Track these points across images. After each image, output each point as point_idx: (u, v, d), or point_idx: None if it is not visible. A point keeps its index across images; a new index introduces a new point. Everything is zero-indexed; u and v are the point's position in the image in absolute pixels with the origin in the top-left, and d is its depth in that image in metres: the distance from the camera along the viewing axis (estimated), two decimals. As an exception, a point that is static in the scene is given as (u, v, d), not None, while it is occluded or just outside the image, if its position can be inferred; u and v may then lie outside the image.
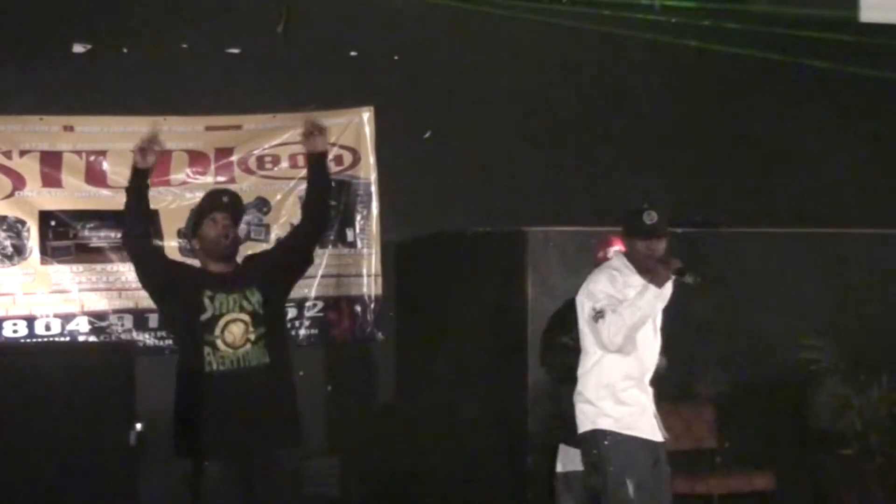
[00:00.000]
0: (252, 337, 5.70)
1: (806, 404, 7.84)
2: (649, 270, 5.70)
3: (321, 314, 8.12)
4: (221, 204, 5.96)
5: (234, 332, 5.69)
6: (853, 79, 9.23)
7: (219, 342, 5.68)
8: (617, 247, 6.44)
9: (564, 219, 7.96)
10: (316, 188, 6.07)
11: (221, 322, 5.69)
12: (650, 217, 5.75)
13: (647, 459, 5.78)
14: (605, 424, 5.76)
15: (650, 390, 5.85)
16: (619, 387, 5.77)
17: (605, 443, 5.74)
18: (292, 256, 6.07)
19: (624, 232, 5.93)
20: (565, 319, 6.58)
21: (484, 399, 7.69)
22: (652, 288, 5.63)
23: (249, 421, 5.64)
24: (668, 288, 5.71)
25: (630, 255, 5.86)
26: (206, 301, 5.74)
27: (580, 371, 5.88)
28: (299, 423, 5.87)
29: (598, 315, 5.70)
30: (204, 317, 5.70)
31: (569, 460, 6.56)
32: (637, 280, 5.76)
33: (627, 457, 5.75)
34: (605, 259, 6.60)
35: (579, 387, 5.86)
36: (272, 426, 5.71)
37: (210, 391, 5.68)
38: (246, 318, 5.71)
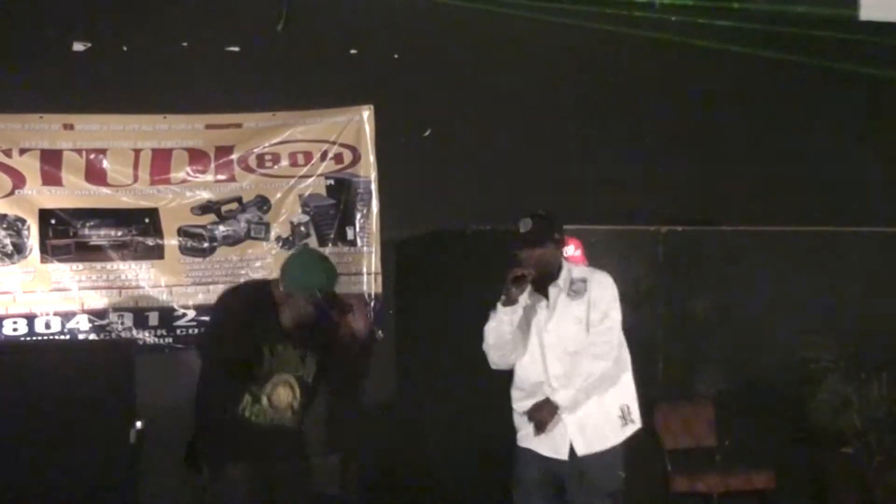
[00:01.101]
0: (296, 407, 5.66)
1: (806, 403, 7.84)
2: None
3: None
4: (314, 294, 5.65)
5: (281, 396, 5.61)
6: (853, 77, 9.23)
7: (263, 398, 5.59)
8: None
9: (564, 217, 7.94)
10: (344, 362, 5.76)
11: (273, 379, 5.61)
12: (524, 225, 5.78)
13: (534, 472, 5.82)
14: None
15: (562, 403, 5.76)
16: (512, 397, 5.92)
17: None
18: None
19: None
20: None
21: (484, 397, 7.67)
22: (499, 306, 5.72)
23: (267, 456, 5.65)
24: (546, 304, 5.74)
25: None
26: (267, 353, 5.58)
27: None
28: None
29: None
30: (258, 370, 5.58)
31: None
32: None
33: (515, 466, 5.90)
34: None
35: None
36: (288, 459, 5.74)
37: (235, 430, 5.63)
38: (295, 383, 5.63)
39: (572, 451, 5.76)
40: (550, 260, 5.79)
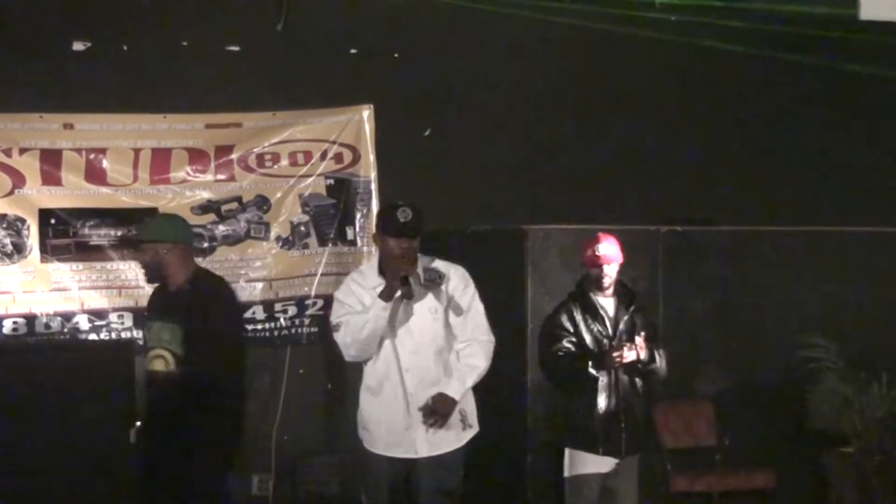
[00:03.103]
0: (173, 378, 5.75)
1: (806, 402, 7.84)
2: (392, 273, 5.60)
3: (321, 312, 8.12)
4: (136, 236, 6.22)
5: (156, 368, 5.76)
6: (853, 77, 9.22)
7: (148, 372, 5.79)
8: None
9: (564, 217, 7.96)
10: None
11: (150, 353, 5.78)
12: (404, 214, 5.63)
13: (383, 473, 5.75)
14: (359, 434, 5.86)
15: (400, 401, 5.71)
16: (361, 398, 5.83)
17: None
18: None
19: (377, 228, 5.84)
20: (557, 325, 6.59)
21: (483, 397, 7.68)
22: (378, 301, 5.57)
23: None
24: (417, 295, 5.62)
25: (381, 254, 5.77)
26: (146, 329, 5.94)
27: None
28: None
29: (335, 329, 5.72)
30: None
31: (575, 464, 6.53)
32: (373, 280, 5.70)
33: (362, 467, 5.83)
34: (594, 257, 6.56)
35: None
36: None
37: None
38: (167, 355, 5.75)
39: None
40: (417, 252, 5.73)
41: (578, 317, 6.54)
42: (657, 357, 6.51)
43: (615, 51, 8.91)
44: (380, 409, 5.77)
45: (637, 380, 6.53)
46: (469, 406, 5.88)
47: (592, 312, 6.54)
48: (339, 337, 5.72)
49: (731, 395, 7.94)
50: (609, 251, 6.55)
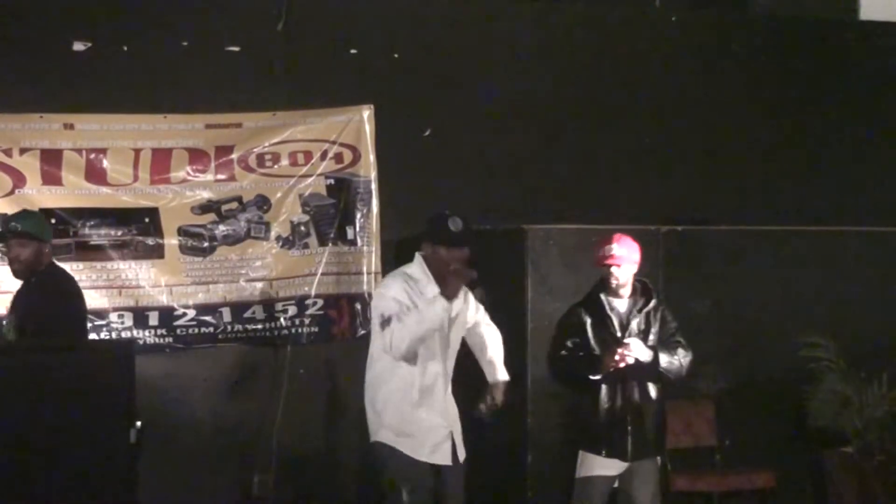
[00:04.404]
0: None
1: (806, 402, 7.84)
2: (445, 280, 5.73)
3: (321, 312, 8.14)
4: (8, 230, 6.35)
5: None
6: (853, 77, 9.24)
7: None
8: None
9: (564, 217, 7.96)
10: None
11: None
12: (455, 224, 5.75)
13: (425, 477, 5.86)
14: (383, 437, 5.88)
15: (441, 409, 5.91)
16: (395, 405, 5.86)
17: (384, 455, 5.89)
18: None
19: (427, 237, 5.91)
20: (564, 325, 6.61)
21: (483, 397, 7.68)
22: (441, 300, 5.65)
23: None
24: (458, 305, 5.80)
25: (430, 262, 5.85)
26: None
27: (368, 376, 5.96)
28: None
29: (385, 322, 5.74)
30: None
31: (585, 465, 6.53)
32: (433, 289, 5.77)
33: (401, 471, 5.85)
34: (604, 257, 6.56)
35: (369, 393, 5.97)
36: None
37: None
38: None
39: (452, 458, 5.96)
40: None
41: (586, 318, 6.54)
42: (662, 358, 6.47)
43: (616, 51, 8.92)
44: (426, 417, 5.87)
45: (650, 383, 6.52)
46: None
47: (600, 315, 6.53)
48: (390, 331, 5.71)
49: (731, 395, 7.94)
50: (620, 252, 6.52)
